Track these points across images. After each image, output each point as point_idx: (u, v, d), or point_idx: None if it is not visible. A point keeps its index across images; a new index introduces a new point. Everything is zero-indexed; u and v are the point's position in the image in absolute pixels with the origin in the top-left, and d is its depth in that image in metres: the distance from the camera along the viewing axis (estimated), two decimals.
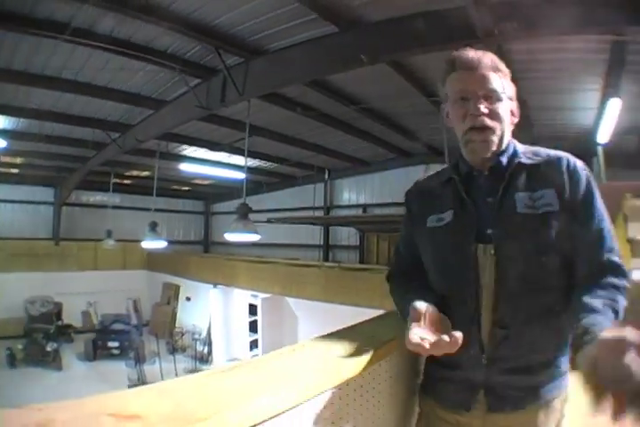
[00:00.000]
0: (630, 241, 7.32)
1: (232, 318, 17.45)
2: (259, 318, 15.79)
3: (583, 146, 12.52)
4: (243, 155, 11.88)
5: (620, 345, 1.16)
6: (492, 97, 1.81)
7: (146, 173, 18.79)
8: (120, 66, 8.80)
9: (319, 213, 20.63)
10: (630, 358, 1.13)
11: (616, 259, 1.76)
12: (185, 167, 16.60)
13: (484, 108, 1.79)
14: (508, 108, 1.88)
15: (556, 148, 1.98)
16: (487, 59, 1.85)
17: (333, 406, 1.63)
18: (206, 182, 21.71)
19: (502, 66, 1.90)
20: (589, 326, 1.44)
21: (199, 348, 18.11)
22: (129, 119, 12.37)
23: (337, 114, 12.22)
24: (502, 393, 1.81)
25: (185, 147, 15.60)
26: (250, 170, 15.73)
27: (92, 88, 9.95)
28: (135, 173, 19.34)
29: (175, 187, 22.73)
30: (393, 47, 7.28)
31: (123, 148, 13.42)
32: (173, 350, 18.09)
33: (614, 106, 9.07)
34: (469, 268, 1.79)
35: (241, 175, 15.06)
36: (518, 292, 1.73)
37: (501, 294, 1.74)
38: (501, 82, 1.86)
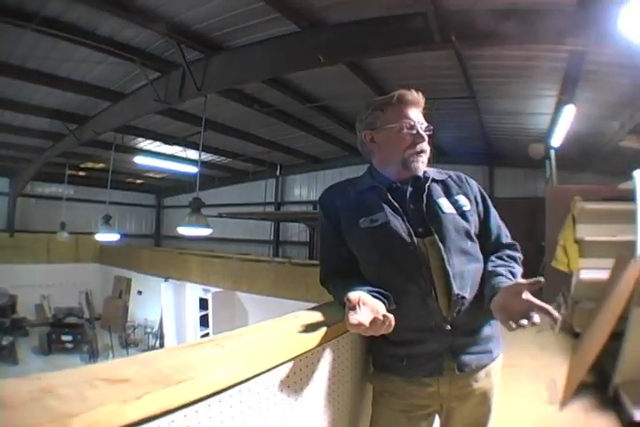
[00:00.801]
0: (578, 242, 7.50)
1: (183, 312, 17.32)
2: (209, 312, 15.69)
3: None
4: (197, 149, 12.13)
5: (517, 288, 1.90)
6: (425, 128, 2.34)
7: (100, 166, 18.53)
8: (83, 57, 8.73)
9: (270, 209, 20.78)
10: (525, 294, 1.87)
11: (510, 240, 2.45)
12: (139, 160, 16.43)
13: (426, 136, 2.32)
14: None
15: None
16: (422, 99, 2.38)
17: (296, 375, 1.82)
18: (159, 176, 21.59)
19: None
20: (496, 284, 2.06)
21: (151, 342, 18.00)
22: (87, 111, 12.21)
23: (292, 111, 12.37)
24: (466, 354, 2.19)
25: (140, 140, 15.52)
26: (203, 164, 15.66)
27: (54, 78, 9.82)
28: (90, 164, 19.01)
29: (128, 180, 22.51)
30: (351, 49, 7.47)
31: (80, 139, 13.21)
32: (126, 344, 18.01)
33: (568, 112, 9.34)
34: (416, 256, 2.17)
35: (194, 169, 15.21)
36: (460, 268, 2.18)
37: (449, 272, 2.14)
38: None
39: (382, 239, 2.21)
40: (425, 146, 2.31)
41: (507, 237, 2.44)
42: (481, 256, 2.31)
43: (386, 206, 2.26)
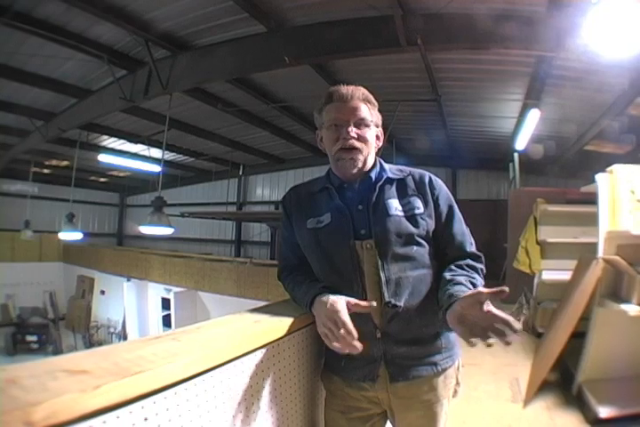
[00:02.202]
0: (540, 243, 7.60)
1: (146, 311, 17.19)
2: (172, 312, 15.57)
3: (501, 152, 12.89)
4: (161, 148, 11.98)
5: (478, 297, 1.76)
6: (360, 124, 2.24)
7: (65, 163, 18.30)
8: (52, 53, 8.63)
9: (232, 209, 20.83)
10: (486, 305, 1.74)
11: (475, 250, 2.32)
12: (103, 158, 16.16)
13: (353, 132, 2.20)
14: (374, 133, 2.32)
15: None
16: (358, 92, 2.28)
17: (251, 370, 1.87)
18: (123, 174, 21.43)
19: (372, 98, 2.33)
20: (455, 292, 1.95)
21: (115, 342, 17.54)
22: (54, 107, 12.07)
23: (256, 111, 12.45)
24: (400, 364, 2.16)
25: (105, 137, 15.38)
26: (166, 163, 15.77)
27: (22, 74, 9.70)
28: (55, 162, 18.78)
29: (92, 178, 22.23)
30: (317, 51, 7.49)
31: (45, 136, 13.09)
32: (90, 344, 17.72)
33: (533, 116, 9.48)
34: (352, 259, 2.16)
35: (157, 168, 15.14)
36: (398, 274, 2.14)
37: (383, 278, 2.12)
38: (370, 111, 2.29)
39: (324, 241, 2.24)
40: (351, 142, 2.21)
41: (471, 246, 2.34)
42: (429, 262, 2.25)
43: (333, 207, 2.27)
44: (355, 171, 2.26)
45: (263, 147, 17.02)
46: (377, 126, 2.34)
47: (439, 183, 2.38)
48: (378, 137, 2.37)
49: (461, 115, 11.85)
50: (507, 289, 1.70)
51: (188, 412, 1.47)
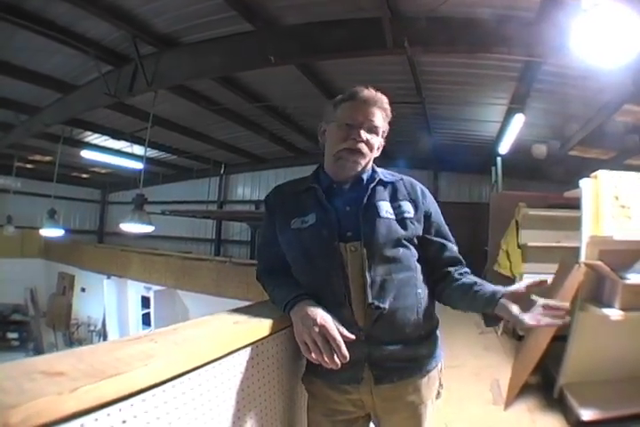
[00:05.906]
0: (522, 247, 7.64)
1: (126, 310, 17.06)
2: (151, 310, 15.49)
3: (484, 156, 12.91)
4: (143, 145, 12.05)
5: (522, 291, 1.98)
6: (372, 130, 2.26)
7: (48, 159, 18.06)
8: (40, 46, 8.56)
9: (213, 208, 20.88)
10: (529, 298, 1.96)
11: (459, 256, 2.42)
12: (86, 154, 16.11)
13: (364, 136, 2.21)
14: (378, 142, 2.33)
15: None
16: (381, 99, 2.30)
17: (230, 372, 1.86)
18: (105, 171, 21.32)
19: (389, 109, 2.34)
20: (492, 290, 2.12)
21: (95, 340, 17.56)
22: (39, 101, 11.93)
23: (240, 110, 12.45)
24: (385, 365, 2.14)
25: (88, 133, 15.23)
26: (148, 160, 15.56)
27: (9, 67, 9.61)
28: (38, 157, 18.57)
29: (74, 174, 22.06)
30: (302, 51, 7.48)
31: (29, 131, 13.05)
32: (70, 342, 17.60)
33: (518, 121, 9.52)
34: (336, 261, 2.14)
35: (139, 165, 14.88)
36: (383, 277, 2.13)
37: (369, 280, 2.10)
38: (383, 121, 2.32)
39: (307, 242, 2.21)
40: (359, 145, 2.21)
41: (457, 252, 2.42)
42: (414, 265, 2.25)
43: (318, 208, 2.25)
44: (351, 173, 2.28)
45: (245, 146, 17.05)
46: (382, 137, 2.36)
47: (429, 193, 2.44)
48: (379, 147, 2.37)
49: (445, 118, 11.89)
50: (547, 280, 1.97)
51: (166, 414, 1.47)
